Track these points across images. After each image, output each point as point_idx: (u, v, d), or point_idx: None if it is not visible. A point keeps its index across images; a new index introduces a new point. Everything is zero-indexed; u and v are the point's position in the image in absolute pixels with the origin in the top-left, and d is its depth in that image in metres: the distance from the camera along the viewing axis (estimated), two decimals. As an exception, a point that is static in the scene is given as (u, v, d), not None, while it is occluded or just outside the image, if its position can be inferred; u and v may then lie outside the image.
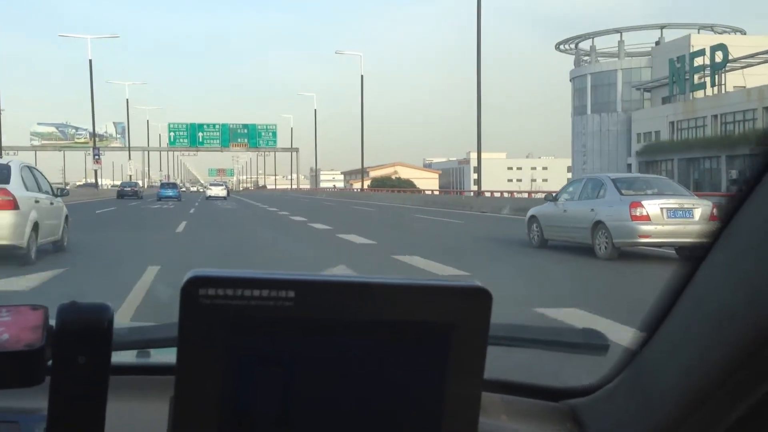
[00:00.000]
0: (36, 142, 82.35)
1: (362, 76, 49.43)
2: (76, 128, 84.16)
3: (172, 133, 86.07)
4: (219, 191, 51.39)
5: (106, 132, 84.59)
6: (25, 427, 0.85)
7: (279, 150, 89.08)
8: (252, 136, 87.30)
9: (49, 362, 0.60)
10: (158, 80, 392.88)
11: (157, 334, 1.14)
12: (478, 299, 0.57)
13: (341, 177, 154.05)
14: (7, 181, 8.83)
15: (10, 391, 0.63)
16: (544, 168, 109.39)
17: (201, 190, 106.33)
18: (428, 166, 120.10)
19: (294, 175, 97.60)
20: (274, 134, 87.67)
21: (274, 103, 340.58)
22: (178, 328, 0.54)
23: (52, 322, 0.61)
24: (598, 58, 68.05)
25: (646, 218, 10.11)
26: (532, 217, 12.34)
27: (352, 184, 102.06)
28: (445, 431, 0.58)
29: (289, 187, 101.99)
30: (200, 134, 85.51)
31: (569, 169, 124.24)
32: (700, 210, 10.26)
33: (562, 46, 72.73)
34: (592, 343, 1.09)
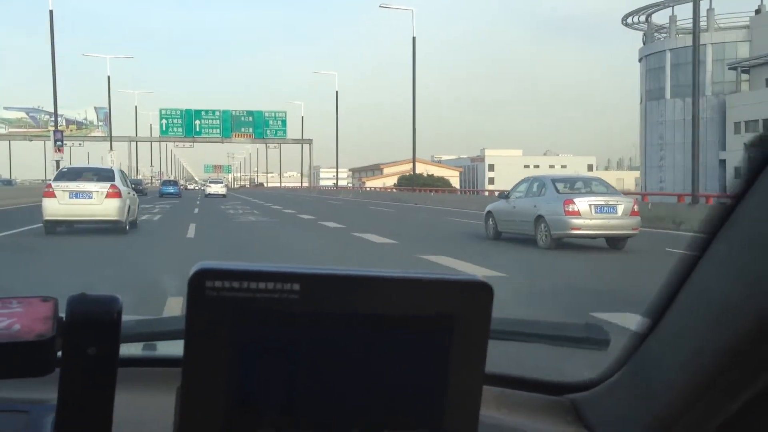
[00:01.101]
0: (2, 130, 67.25)
1: (414, 38, 35.43)
2: (50, 114, 68.89)
3: (164, 121, 71.05)
4: (218, 189, 52.90)
5: (86, 119, 69.65)
6: (35, 416, 0.86)
7: (289, 141, 74.54)
8: (258, 125, 72.69)
9: (59, 353, 0.61)
10: (149, 61, 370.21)
11: (163, 326, 1.17)
12: (479, 293, 0.58)
13: (344, 175, 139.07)
14: (113, 179, 14.25)
15: (21, 382, 0.64)
16: (563, 166, 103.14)
17: (196, 188, 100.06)
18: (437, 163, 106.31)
19: (300, 171, 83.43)
20: (284, 123, 73.29)
21: (281, 91, 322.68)
22: (185, 320, 0.55)
23: (63, 313, 0.62)
24: (678, 33, 53.59)
25: (577, 213, 11.84)
26: (489, 212, 14.06)
27: (364, 182, 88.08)
28: (446, 423, 0.58)
29: (299, 185, 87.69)
30: (197, 122, 70.72)
31: (590, 168, 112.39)
32: (623, 206, 12.05)
33: (630, 19, 58.29)
34: (594, 338, 1.10)
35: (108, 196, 14.08)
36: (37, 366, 0.60)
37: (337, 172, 63.61)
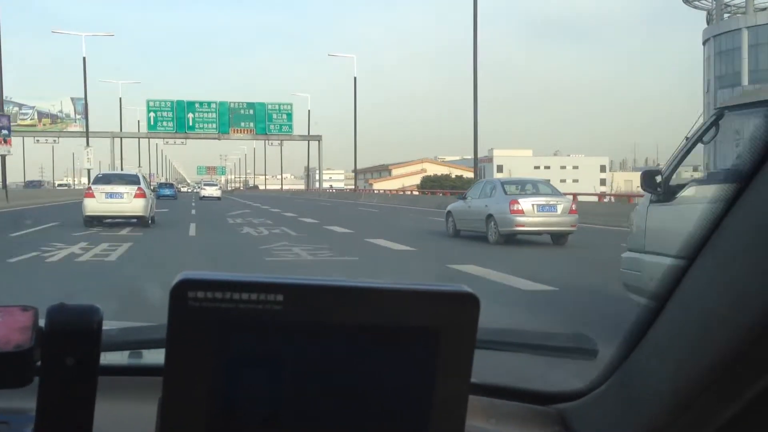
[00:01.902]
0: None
1: (476, 2, 25.56)
2: (20, 105, 58.26)
3: (152, 114, 61.69)
4: (213, 191, 55.17)
5: (61, 111, 59.88)
6: (15, 427, 0.86)
7: (296, 138, 64.44)
8: (260, 119, 63.19)
9: (38, 363, 0.62)
10: (137, 50, 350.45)
11: (147, 335, 1.17)
12: (465, 304, 0.59)
13: (341, 177, 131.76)
14: (139, 183, 18.34)
15: (0, 392, 0.65)
16: (575, 167, 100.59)
17: (189, 191, 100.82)
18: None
19: (307, 173, 73.74)
20: (290, 116, 63.90)
21: (282, 84, 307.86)
22: (167, 330, 0.56)
23: (42, 323, 0.63)
24: (755, 9, 43.88)
25: (521, 212, 13.89)
26: (449, 212, 16.55)
27: (372, 184, 79.32)
28: None
29: (301, 187, 78.39)
30: (190, 116, 61.34)
31: (603, 169, 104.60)
32: (563, 205, 14.08)
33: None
34: (581, 348, 1.13)
35: (136, 196, 17.94)
36: (15, 376, 0.61)
37: (355, 173, 53.63)
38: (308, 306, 0.57)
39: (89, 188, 18.69)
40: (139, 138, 74.38)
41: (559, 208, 14.02)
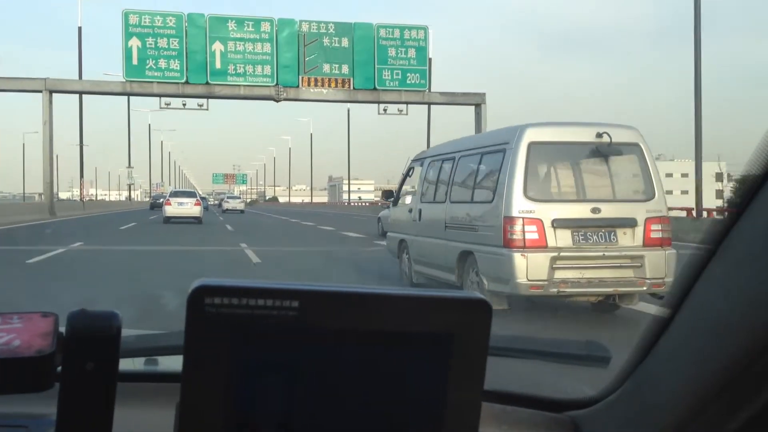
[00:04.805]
0: None
1: None
2: None
3: (135, 43, 24.45)
4: (236, 204, 66.56)
5: None
6: (35, 431, 0.96)
7: (437, 100, 28.09)
8: (363, 59, 26.85)
9: (59, 368, 0.72)
10: None
11: (164, 341, 1.35)
12: (478, 310, 0.65)
13: (370, 188, 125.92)
14: (196, 196, 47.25)
15: (20, 397, 0.74)
16: (684, 175, 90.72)
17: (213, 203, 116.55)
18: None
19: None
20: (423, 55, 26.71)
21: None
22: (184, 336, 0.63)
23: (63, 329, 0.73)
24: None
25: None
26: (378, 218, 30.18)
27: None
28: None
29: (328, 200, 64.46)
30: (218, 48, 24.34)
31: (719, 177, 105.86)
32: None
33: None
34: (594, 355, 1.28)
35: (195, 204, 40.16)
36: (36, 381, 0.67)
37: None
38: (323, 312, 0.63)
39: (168, 200, 39.50)
40: (127, 98, 39.08)
41: None
